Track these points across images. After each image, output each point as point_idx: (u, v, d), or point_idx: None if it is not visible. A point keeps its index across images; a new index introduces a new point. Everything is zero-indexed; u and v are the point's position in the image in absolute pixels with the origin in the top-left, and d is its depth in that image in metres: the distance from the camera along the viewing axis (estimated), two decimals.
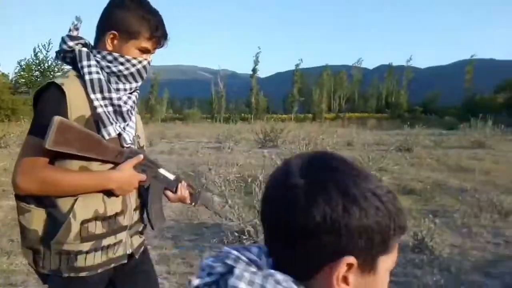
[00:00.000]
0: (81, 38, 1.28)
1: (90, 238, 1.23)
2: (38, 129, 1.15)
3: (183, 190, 1.45)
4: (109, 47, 1.26)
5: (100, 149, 1.20)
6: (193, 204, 1.53)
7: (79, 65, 1.23)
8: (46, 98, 1.18)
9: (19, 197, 1.23)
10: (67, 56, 1.28)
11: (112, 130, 1.24)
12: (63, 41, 1.26)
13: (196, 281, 0.57)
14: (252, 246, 0.60)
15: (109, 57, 1.25)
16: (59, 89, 1.17)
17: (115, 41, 1.26)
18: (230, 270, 0.55)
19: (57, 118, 1.10)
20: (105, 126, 1.22)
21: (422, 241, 3.75)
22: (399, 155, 11.16)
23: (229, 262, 0.55)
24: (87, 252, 1.23)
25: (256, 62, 54.72)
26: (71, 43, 1.26)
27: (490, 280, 3.10)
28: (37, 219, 1.21)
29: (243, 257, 0.56)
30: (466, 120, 14.33)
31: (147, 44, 1.29)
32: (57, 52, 1.29)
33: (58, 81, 1.18)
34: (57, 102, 1.16)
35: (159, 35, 1.30)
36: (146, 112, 49.76)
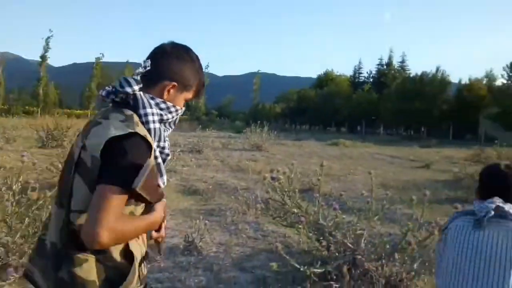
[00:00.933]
0: (140, 82, 1.22)
1: (143, 280, 1.25)
2: (122, 179, 1.08)
3: (164, 230, 1.38)
4: (165, 96, 1.27)
5: (158, 195, 1.22)
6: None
7: (141, 112, 1.20)
8: (136, 151, 1.12)
9: (74, 247, 1.13)
10: (119, 96, 1.22)
11: (165, 179, 1.29)
12: (129, 84, 1.19)
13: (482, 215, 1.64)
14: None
15: (163, 105, 1.26)
16: (145, 141, 1.15)
17: (171, 91, 1.27)
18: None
19: (151, 162, 1.12)
20: (161, 175, 1.26)
21: (192, 243, 3.90)
22: (190, 156, 11.66)
23: (498, 203, 1.66)
24: None
25: (47, 47, 47.64)
26: (136, 87, 1.20)
27: (244, 274, 3.44)
28: (95, 268, 1.15)
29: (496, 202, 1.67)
30: (253, 125, 16.20)
31: (191, 96, 1.36)
32: (112, 92, 1.21)
33: (140, 132, 1.15)
34: (144, 153, 1.14)
35: (203, 91, 1.41)
36: None
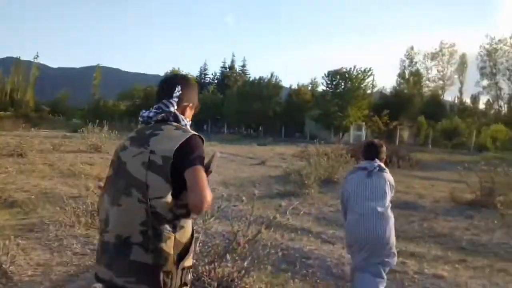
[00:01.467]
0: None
1: (194, 255, 1.63)
2: (203, 162, 1.53)
3: None
4: (185, 113, 1.71)
5: None
6: None
7: (182, 123, 1.65)
8: (200, 145, 1.57)
9: (160, 224, 1.44)
10: (162, 115, 1.64)
11: None
12: (172, 105, 1.64)
13: (371, 169, 3.16)
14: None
15: (184, 121, 1.66)
16: (201, 138, 1.59)
17: (187, 109, 1.72)
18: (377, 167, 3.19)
19: (217, 153, 1.68)
20: None
21: (0, 268, 3.26)
22: (9, 161, 9.91)
23: (378, 163, 3.21)
24: (191, 266, 1.58)
25: None
26: (176, 107, 1.65)
27: None
28: (173, 243, 1.45)
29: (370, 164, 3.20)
30: (91, 124, 14.66)
31: (194, 111, 1.81)
32: (159, 113, 1.63)
33: (195, 133, 1.59)
34: (203, 146, 1.58)
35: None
36: None
